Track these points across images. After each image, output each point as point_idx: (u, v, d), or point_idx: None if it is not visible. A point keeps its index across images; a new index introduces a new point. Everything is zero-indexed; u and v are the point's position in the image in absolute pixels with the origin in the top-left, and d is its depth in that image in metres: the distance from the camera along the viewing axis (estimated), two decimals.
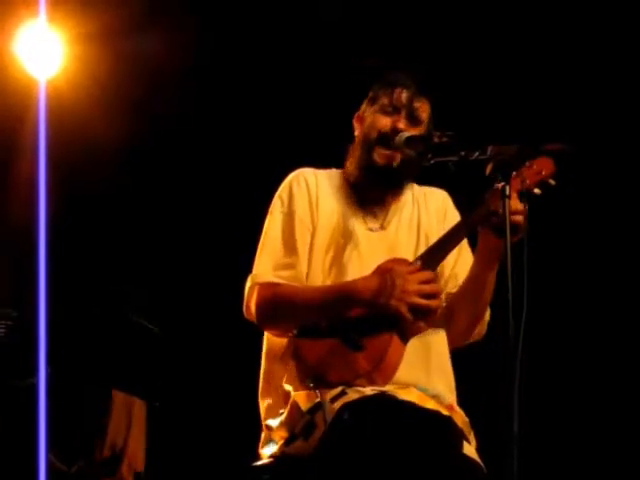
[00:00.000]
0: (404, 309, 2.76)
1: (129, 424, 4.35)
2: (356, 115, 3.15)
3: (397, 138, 2.94)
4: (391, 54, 4.68)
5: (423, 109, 3.04)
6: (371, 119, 3.05)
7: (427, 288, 2.81)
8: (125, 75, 4.81)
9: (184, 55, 4.83)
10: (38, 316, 4.21)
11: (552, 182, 2.81)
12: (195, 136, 5.06)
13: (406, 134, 2.94)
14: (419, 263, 2.86)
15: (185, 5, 4.82)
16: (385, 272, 2.84)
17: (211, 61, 4.93)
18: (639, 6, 4.50)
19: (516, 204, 2.72)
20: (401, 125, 2.98)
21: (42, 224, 4.41)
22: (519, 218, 2.70)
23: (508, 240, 2.60)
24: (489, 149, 2.73)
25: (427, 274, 2.84)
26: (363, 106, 3.14)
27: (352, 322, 2.82)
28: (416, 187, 3.15)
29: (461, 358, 3.08)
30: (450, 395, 2.93)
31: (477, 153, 2.77)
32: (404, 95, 3.01)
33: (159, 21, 4.77)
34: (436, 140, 2.86)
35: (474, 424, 2.91)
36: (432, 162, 2.86)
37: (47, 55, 4.74)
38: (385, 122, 3.00)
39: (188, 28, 4.81)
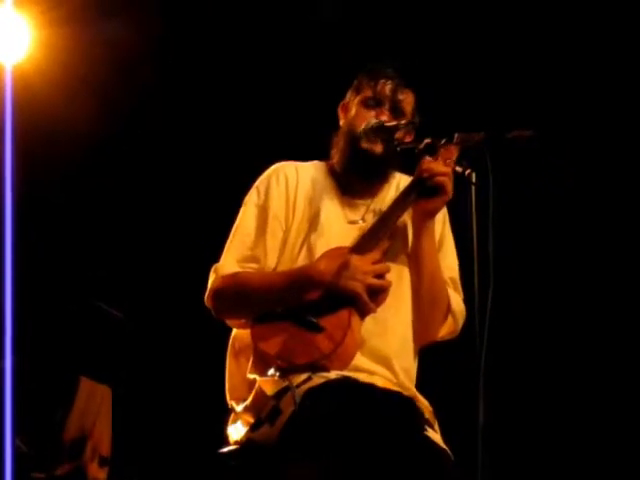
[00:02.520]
0: (361, 290, 2.80)
1: (94, 409, 4.33)
2: (341, 104, 3.15)
3: (364, 125, 2.95)
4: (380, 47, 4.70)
5: (407, 101, 3.04)
6: (355, 112, 3.05)
7: (379, 268, 2.86)
8: (93, 61, 4.78)
9: (153, 41, 4.80)
10: (4, 302, 4.18)
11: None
12: (164, 122, 5.03)
13: (373, 121, 2.95)
14: (372, 247, 2.90)
15: None
16: (336, 256, 2.87)
17: (179, 47, 4.90)
18: None
19: (440, 167, 2.86)
20: (384, 118, 2.99)
21: (8, 210, 4.37)
22: (443, 179, 2.86)
23: (474, 229, 2.61)
24: (455, 136, 2.76)
25: (375, 254, 2.89)
26: (348, 95, 3.13)
27: (307, 306, 2.83)
28: (403, 177, 3.14)
29: (427, 350, 3.09)
30: (412, 386, 2.97)
31: (444, 140, 2.82)
32: (387, 87, 3.01)
33: (128, 6, 4.73)
34: (402, 127, 2.88)
35: (437, 416, 2.92)
36: (398, 149, 2.90)
37: (14, 40, 4.69)
38: (368, 116, 3.00)
39: (157, 14, 4.79)
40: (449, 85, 4.62)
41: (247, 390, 2.88)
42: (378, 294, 2.85)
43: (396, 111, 3.01)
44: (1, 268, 4.27)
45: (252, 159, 3.27)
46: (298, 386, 2.68)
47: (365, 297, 2.81)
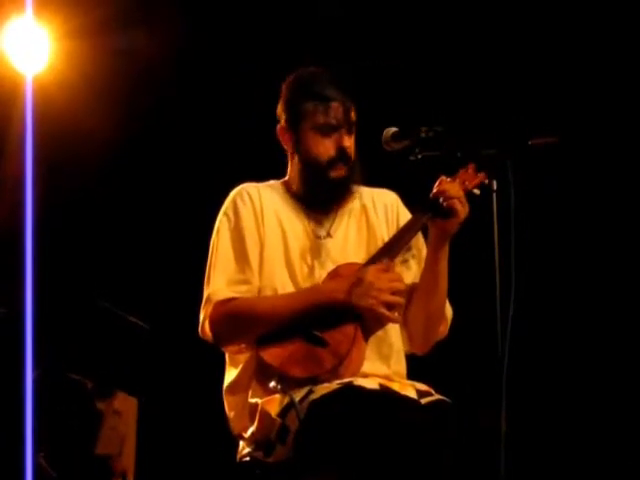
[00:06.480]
0: (380, 306, 2.81)
1: (123, 428, 4.31)
2: (279, 127, 3.09)
3: (384, 133, 2.95)
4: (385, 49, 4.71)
5: (354, 115, 3.02)
6: (311, 141, 3.01)
7: (397, 285, 2.87)
8: (112, 71, 4.80)
9: (172, 51, 4.81)
10: (24, 317, 4.18)
11: (487, 182, 2.92)
12: (183, 131, 5.04)
13: (393, 129, 2.95)
14: (386, 261, 2.91)
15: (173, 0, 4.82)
16: (346, 274, 2.89)
17: (199, 56, 4.92)
18: None
19: (455, 189, 2.91)
20: (346, 143, 2.98)
21: (29, 222, 4.38)
22: (454, 202, 2.89)
23: (496, 235, 2.62)
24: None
25: (396, 274, 2.92)
26: (284, 116, 3.07)
27: (311, 320, 2.84)
28: (364, 190, 3.15)
29: (449, 353, 3.10)
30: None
31: (464, 149, 2.83)
32: (340, 111, 2.98)
33: (147, 17, 4.76)
34: (423, 135, 2.88)
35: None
36: (419, 157, 2.90)
37: (34, 51, 4.71)
38: (329, 146, 2.98)
39: (176, 23, 4.80)
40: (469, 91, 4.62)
41: (250, 417, 2.87)
42: (392, 309, 2.86)
43: (350, 129, 3.00)
44: (22, 277, 4.28)
45: (278, 165, 3.25)
46: (300, 401, 2.68)
47: (382, 310, 2.82)
